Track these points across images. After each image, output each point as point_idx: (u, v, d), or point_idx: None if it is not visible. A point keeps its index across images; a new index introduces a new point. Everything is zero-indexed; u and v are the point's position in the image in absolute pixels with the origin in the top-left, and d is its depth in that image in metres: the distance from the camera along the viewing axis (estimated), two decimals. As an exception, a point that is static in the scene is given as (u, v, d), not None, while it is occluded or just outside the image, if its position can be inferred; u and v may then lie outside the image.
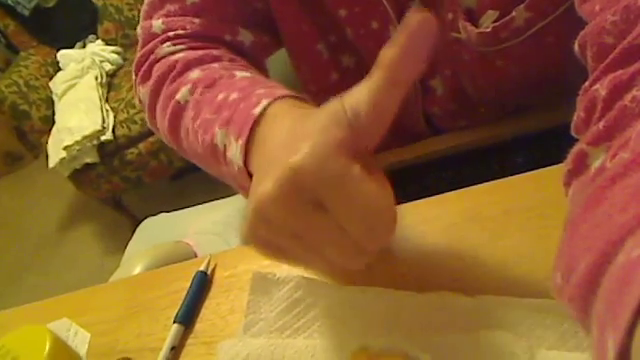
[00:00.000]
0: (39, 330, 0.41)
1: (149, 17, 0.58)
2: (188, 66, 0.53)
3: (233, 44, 0.58)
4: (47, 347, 0.39)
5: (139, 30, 0.59)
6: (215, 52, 0.54)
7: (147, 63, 0.57)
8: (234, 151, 0.41)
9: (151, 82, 0.55)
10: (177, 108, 0.51)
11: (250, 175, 0.40)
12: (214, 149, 0.44)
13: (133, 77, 0.60)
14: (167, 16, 0.57)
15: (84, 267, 2.24)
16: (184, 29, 0.56)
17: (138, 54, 0.59)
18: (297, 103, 0.41)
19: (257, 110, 0.40)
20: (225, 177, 0.47)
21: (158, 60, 0.56)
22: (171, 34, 0.56)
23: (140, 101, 0.60)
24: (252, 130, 0.40)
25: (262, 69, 0.61)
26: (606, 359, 0.19)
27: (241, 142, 0.40)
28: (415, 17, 0.30)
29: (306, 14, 0.58)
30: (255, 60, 0.60)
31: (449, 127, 0.62)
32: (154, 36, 0.57)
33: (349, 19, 0.56)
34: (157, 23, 0.57)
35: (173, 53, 0.56)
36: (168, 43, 0.56)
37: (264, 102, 0.40)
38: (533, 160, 0.53)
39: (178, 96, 0.51)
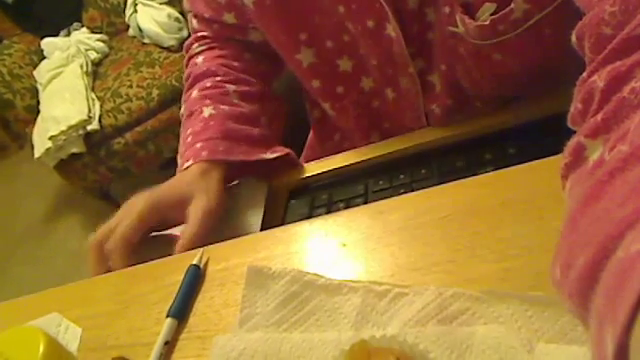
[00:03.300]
0: (32, 331, 0.41)
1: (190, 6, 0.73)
2: (193, 83, 0.71)
3: (244, 42, 0.72)
4: (41, 348, 0.38)
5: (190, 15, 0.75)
6: (216, 66, 0.71)
7: (188, 54, 0.76)
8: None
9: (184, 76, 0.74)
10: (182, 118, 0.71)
11: None
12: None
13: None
14: (195, 17, 0.73)
15: (71, 258, 2.22)
16: (206, 31, 0.73)
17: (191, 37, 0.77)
18: (204, 168, 0.59)
19: (186, 165, 0.60)
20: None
21: (191, 57, 0.75)
22: (199, 34, 0.74)
23: None
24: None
25: (272, 59, 0.72)
26: (605, 354, 0.19)
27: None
28: None
29: (287, 25, 0.62)
30: (266, 54, 0.71)
31: (446, 123, 0.62)
32: (194, 30, 0.75)
33: (347, 16, 0.56)
34: (194, 21, 0.74)
35: (197, 55, 0.74)
36: (196, 44, 0.74)
37: (190, 162, 0.60)
38: (525, 151, 0.53)
39: (182, 110, 0.71)
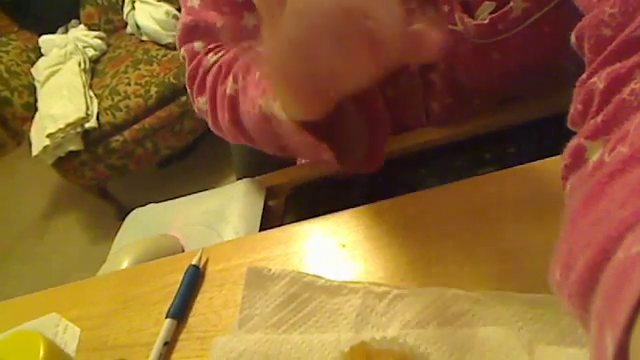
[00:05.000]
0: (32, 335, 0.40)
1: (188, 40, 0.67)
2: (230, 66, 0.61)
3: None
4: (41, 353, 0.38)
5: (183, 52, 0.68)
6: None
7: (199, 76, 0.65)
8: (277, 107, 0.46)
9: (207, 91, 0.63)
10: (231, 101, 0.58)
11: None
12: (264, 116, 0.49)
13: (189, 91, 0.67)
14: (204, 39, 0.66)
15: (69, 256, 2.22)
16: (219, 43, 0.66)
17: (188, 70, 0.67)
18: None
19: None
20: (284, 137, 0.50)
21: (208, 71, 0.65)
22: (211, 46, 0.66)
23: (199, 110, 0.66)
24: None
25: None
26: (605, 356, 0.19)
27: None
28: None
29: None
30: None
31: (446, 121, 0.62)
32: (198, 53, 0.67)
33: None
34: (198, 44, 0.67)
35: (217, 60, 0.64)
36: (211, 54, 0.65)
37: None
38: (525, 151, 0.53)
39: (228, 91, 0.59)
